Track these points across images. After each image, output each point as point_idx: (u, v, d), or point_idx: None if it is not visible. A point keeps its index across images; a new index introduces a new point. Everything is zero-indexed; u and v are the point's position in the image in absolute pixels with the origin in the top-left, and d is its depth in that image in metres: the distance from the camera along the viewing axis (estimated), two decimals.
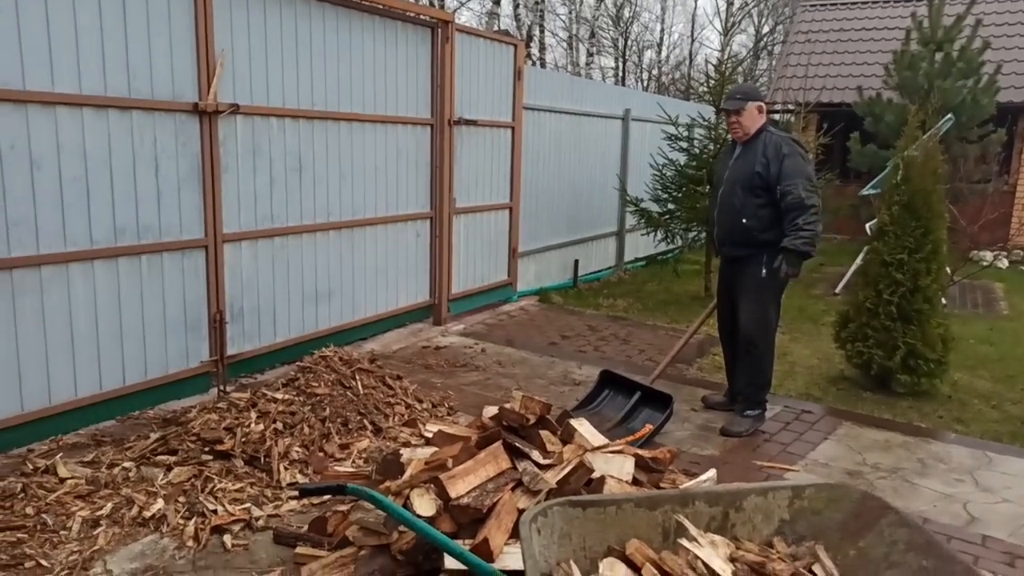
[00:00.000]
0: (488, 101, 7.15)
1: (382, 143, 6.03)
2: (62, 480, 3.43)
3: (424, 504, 2.89)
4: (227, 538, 3.14)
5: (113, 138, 4.09)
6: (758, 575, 1.87)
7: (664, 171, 8.56)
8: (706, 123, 8.42)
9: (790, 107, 12.52)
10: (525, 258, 8.16)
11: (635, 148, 9.99)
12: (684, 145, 8.52)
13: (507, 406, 3.51)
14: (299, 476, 3.65)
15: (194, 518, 3.23)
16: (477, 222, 7.26)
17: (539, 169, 8.20)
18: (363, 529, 2.91)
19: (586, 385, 5.39)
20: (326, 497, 3.51)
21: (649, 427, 4.38)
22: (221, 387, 4.81)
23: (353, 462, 3.88)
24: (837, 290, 9.11)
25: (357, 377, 4.56)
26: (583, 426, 3.54)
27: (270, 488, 3.54)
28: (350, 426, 4.16)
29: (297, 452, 3.80)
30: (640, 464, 3.47)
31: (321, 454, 3.87)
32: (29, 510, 3.17)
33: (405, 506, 2.99)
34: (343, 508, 3.21)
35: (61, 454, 3.70)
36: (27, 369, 3.85)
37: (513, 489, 3.08)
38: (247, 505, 3.35)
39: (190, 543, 3.09)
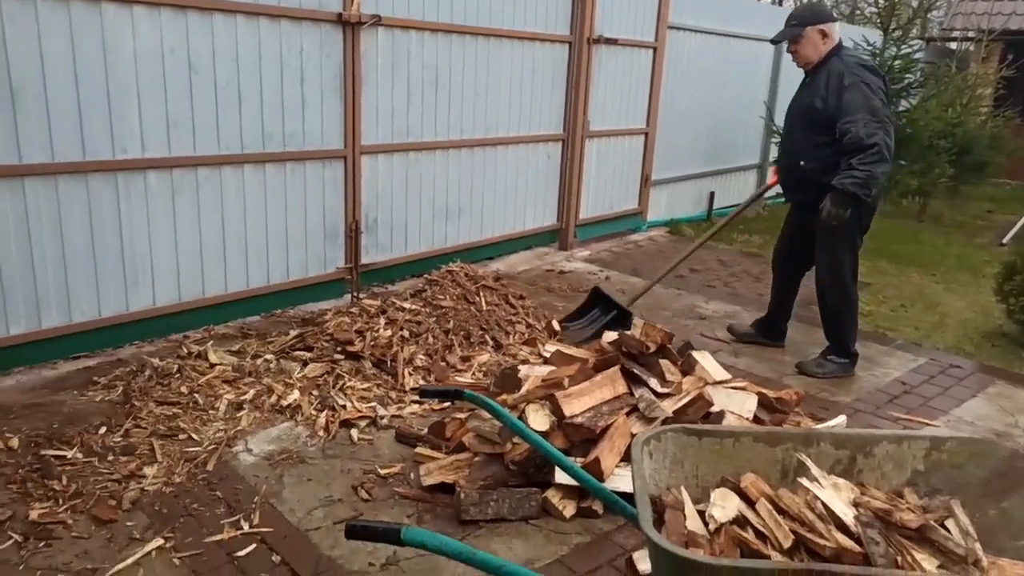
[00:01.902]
0: (630, 19, 6.83)
1: (518, 60, 5.94)
2: (212, 365, 3.74)
3: (538, 419, 2.93)
4: (354, 432, 3.33)
5: (263, 46, 4.25)
6: (883, 522, 1.76)
7: None
8: (871, 48, 7.69)
9: (970, 35, 11.21)
10: (657, 187, 7.91)
11: (787, 74, 9.30)
12: None
13: (627, 332, 3.47)
14: (422, 382, 3.80)
15: (325, 411, 3.45)
16: (610, 147, 7.07)
17: (679, 94, 7.82)
18: (479, 437, 3.00)
19: (712, 320, 5.24)
20: (446, 404, 3.65)
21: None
22: (354, 293, 5.04)
23: (473, 374, 3.99)
24: (1004, 240, 8.26)
25: (481, 294, 4.64)
26: (705, 358, 3.45)
27: (394, 390, 3.71)
28: (472, 340, 4.26)
29: (421, 360, 3.95)
30: (764, 403, 3.36)
31: (443, 364, 4.00)
32: (183, 389, 3.50)
33: (519, 419, 3.05)
34: (461, 416, 3.33)
35: (212, 342, 4.03)
36: (184, 262, 4.18)
37: (628, 414, 3.07)
38: (373, 404, 3.54)
39: (321, 433, 3.31)
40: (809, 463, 2.00)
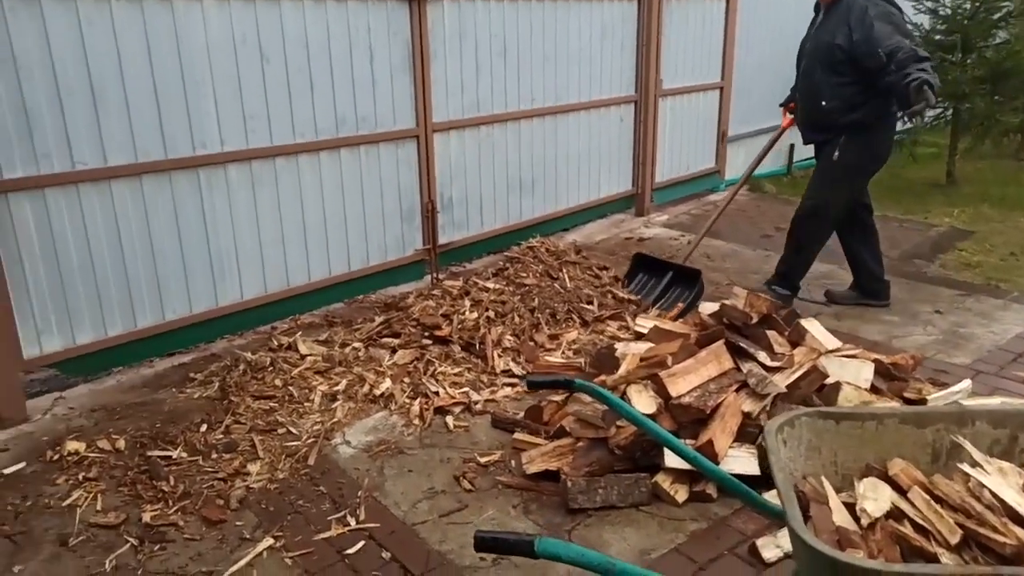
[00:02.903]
0: None
1: (587, 22, 5.70)
2: (303, 357, 3.73)
3: (643, 401, 2.79)
4: (449, 419, 3.27)
5: (331, 28, 4.16)
6: None
7: None
8: None
9: None
10: (734, 143, 7.56)
11: None
12: (931, 5, 7.29)
13: (728, 303, 3.28)
14: (512, 364, 3.71)
15: (418, 398, 3.40)
16: (684, 104, 6.77)
17: (754, 45, 7.40)
18: (580, 421, 2.89)
19: (807, 280, 4.95)
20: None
21: (680, 306, 4.25)
22: (434, 274, 4.97)
23: (563, 353, 3.87)
24: None
25: (564, 269, 4.50)
26: (814, 326, 3.24)
27: (485, 374, 3.62)
28: (558, 317, 4.14)
29: (509, 340, 3.85)
30: (880, 371, 3.13)
31: (531, 343, 3.89)
32: (278, 382, 3.49)
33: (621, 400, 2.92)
34: (557, 399, 3.22)
35: (300, 332, 4.02)
36: (268, 254, 4.18)
37: (737, 391, 2.90)
38: (465, 389, 3.46)
39: (416, 421, 3.26)
40: (968, 445, 1.80)
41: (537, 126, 5.56)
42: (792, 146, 8.30)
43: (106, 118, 3.46)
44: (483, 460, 2.97)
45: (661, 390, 2.80)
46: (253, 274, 4.15)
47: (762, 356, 2.98)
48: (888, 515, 1.71)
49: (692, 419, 2.76)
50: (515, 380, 3.61)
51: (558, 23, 5.47)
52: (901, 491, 1.79)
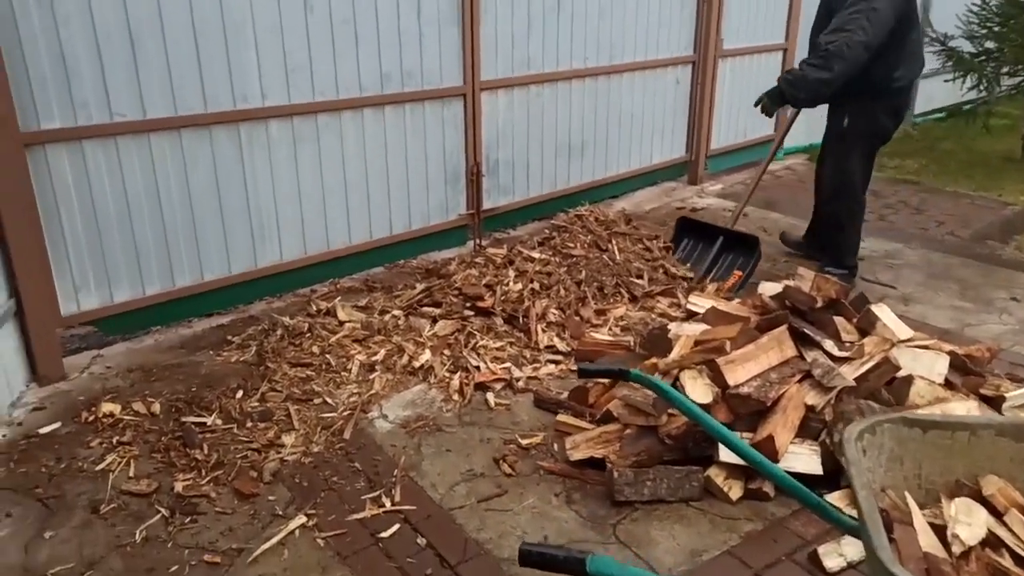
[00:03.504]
0: None
1: None
2: (341, 323, 3.62)
3: (698, 389, 2.62)
4: (490, 396, 3.13)
5: None
6: None
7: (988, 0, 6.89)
8: None
9: None
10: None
11: None
12: None
13: (792, 284, 3.06)
14: (556, 339, 3.55)
15: (459, 372, 3.27)
16: (745, 66, 6.42)
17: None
18: (628, 407, 2.72)
19: (869, 260, 4.68)
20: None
21: (738, 274, 4.09)
22: (477, 240, 4.81)
23: (610, 329, 3.70)
24: None
25: (613, 240, 4.30)
26: (885, 313, 3.00)
27: (528, 349, 3.47)
28: (605, 291, 3.95)
29: (554, 314, 3.68)
30: (954, 363, 2.90)
31: (577, 318, 3.73)
32: (315, 349, 3.39)
33: (674, 387, 2.75)
34: (605, 381, 3.06)
35: (339, 297, 3.91)
36: (308, 215, 4.06)
37: (799, 381, 2.70)
38: (507, 365, 3.32)
39: (456, 397, 3.13)
40: None
41: (589, 86, 5.30)
42: None
43: (145, 68, 3.34)
44: (524, 442, 2.83)
45: (718, 377, 2.62)
46: (293, 235, 4.04)
47: (828, 344, 2.77)
48: (985, 543, 1.53)
49: (751, 411, 2.58)
50: (559, 357, 3.45)
51: None
52: (997, 514, 1.60)
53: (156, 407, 3.02)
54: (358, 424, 2.95)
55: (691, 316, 3.57)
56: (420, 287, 3.92)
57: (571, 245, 4.18)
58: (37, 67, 3.06)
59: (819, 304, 2.96)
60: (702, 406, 2.54)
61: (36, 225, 3.14)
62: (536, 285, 3.82)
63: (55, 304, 3.28)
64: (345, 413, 3.01)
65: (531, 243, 4.26)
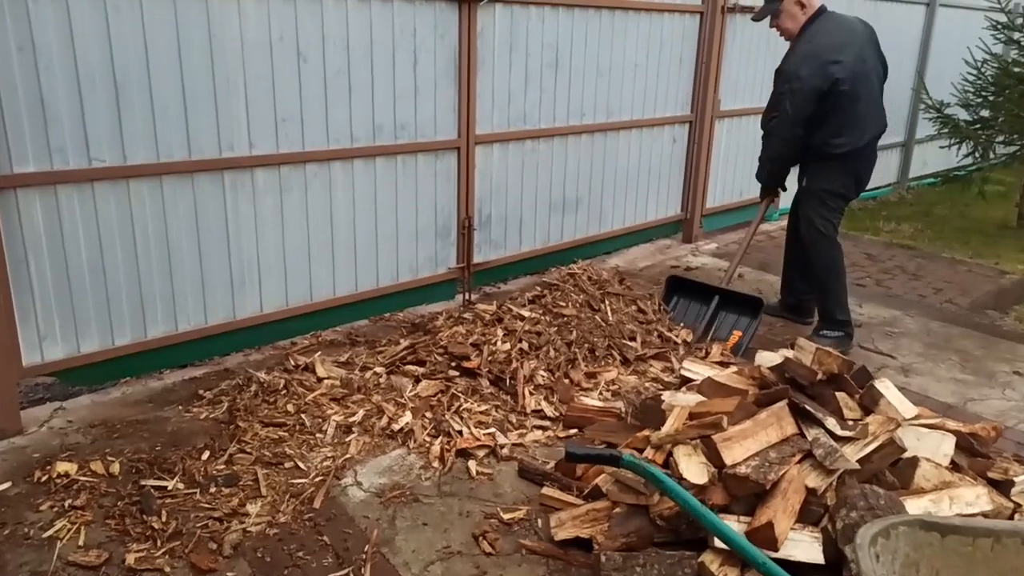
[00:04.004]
0: None
1: (644, 34, 5.38)
2: (320, 379, 3.46)
3: (693, 469, 2.45)
4: (472, 464, 2.96)
5: (375, 29, 3.91)
6: None
7: (983, 69, 6.95)
8: None
9: None
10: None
11: (941, 41, 8.27)
12: (1015, 36, 6.82)
13: (793, 357, 2.93)
14: (544, 403, 3.39)
15: (440, 437, 3.10)
16: (741, 127, 6.41)
17: None
18: (618, 483, 2.55)
19: (867, 327, 4.57)
20: (572, 431, 3.23)
21: (738, 334, 4.05)
22: (467, 295, 4.69)
23: (600, 394, 3.55)
24: None
25: (606, 300, 4.18)
26: (890, 390, 2.86)
27: (515, 413, 3.32)
28: (597, 353, 3.81)
29: (542, 376, 3.54)
30: (960, 444, 2.75)
31: (567, 381, 3.58)
32: (290, 407, 3.23)
33: (666, 463, 2.59)
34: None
35: (320, 352, 3.76)
36: (292, 265, 3.93)
37: (799, 461, 2.55)
38: (492, 430, 3.15)
39: (436, 464, 2.96)
40: None
41: (585, 143, 5.25)
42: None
43: (128, 113, 3.24)
44: (507, 517, 2.66)
45: (714, 455, 2.46)
46: (275, 286, 3.90)
47: (830, 423, 2.62)
48: None
49: (750, 493, 2.41)
50: (547, 422, 3.29)
51: (615, 36, 5.17)
52: None
53: (115, 467, 2.83)
54: (330, 492, 2.77)
55: (685, 382, 3.43)
56: (404, 343, 3.77)
57: (563, 304, 4.05)
58: (13, 111, 2.95)
59: (819, 378, 2.83)
60: (697, 487, 2.39)
61: (1, 271, 3.00)
62: (525, 345, 3.68)
63: (16, 354, 3.12)
64: (317, 479, 2.83)
65: (521, 300, 4.13)
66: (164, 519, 2.55)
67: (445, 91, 4.30)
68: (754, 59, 6.24)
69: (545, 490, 2.78)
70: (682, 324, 4.21)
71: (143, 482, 2.73)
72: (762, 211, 4.60)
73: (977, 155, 7.28)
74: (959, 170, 8.05)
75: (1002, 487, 2.69)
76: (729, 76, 6.08)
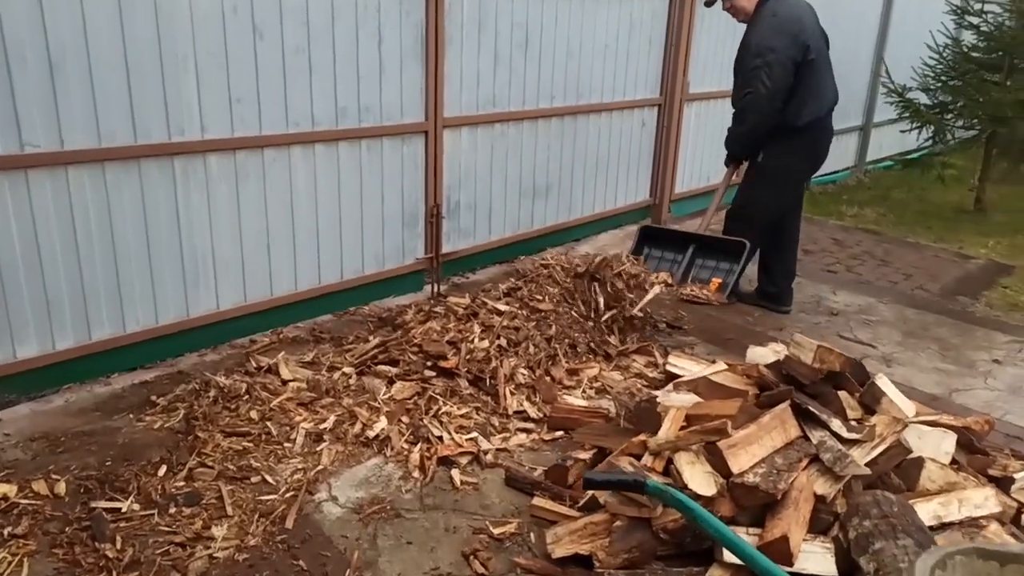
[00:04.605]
0: None
1: (615, 15, 5.20)
2: (285, 382, 3.22)
3: (698, 478, 2.31)
4: (455, 472, 2.77)
5: (336, 3, 3.63)
6: None
7: (943, 53, 6.97)
8: None
9: None
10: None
11: (898, 24, 8.30)
12: (974, 21, 6.86)
13: (793, 355, 2.81)
14: (526, 403, 3.22)
15: (419, 444, 2.90)
16: (710, 111, 6.30)
17: None
18: (616, 494, 2.39)
19: (844, 315, 4.52)
20: (558, 434, 3.06)
21: (717, 281, 4.11)
22: (435, 286, 4.46)
23: (583, 392, 3.39)
24: None
25: (579, 289, 4.00)
26: (890, 388, 2.77)
27: (496, 415, 3.13)
28: (578, 349, 3.65)
29: (523, 375, 3.36)
30: (958, 440, 2.68)
31: (548, 379, 3.41)
32: (253, 415, 2.98)
33: (667, 470, 2.45)
34: (585, 457, 2.74)
35: (283, 352, 3.50)
36: (250, 259, 3.65)
37: (805, 466, 2.43)
38: (474, 435, 2.96)
39: (416, 473, 2.75)
40: None
41: (555, 126, 5.06)
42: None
43: (64, 93, 2.91)
44: (497, 532, 2.48)
45: (719, 463, 2.32)
46: (232, 281, 3.62)
47: (836, 424, 2.51)
48: None
49: (759, 503, 2.28)
50: (531, 424, 3.12)
51: (584, 16, 4.97)
52: None
53: (61, 487, 2.56)
54: (303, 509, 2.54)
55: (671, 377, 3.30)
56: (374, 341, 3.54)
57: (539, 298, 3.86)
58: None
59: (819, 376, 2.72)
60: (705, 499, 2.25)
61: None
62: (503, 342, 3.49)
63: None
64: (288, 495, 2.60)
65: (496, 293, 3.93)
66: (119, 546, 2.29)
67: (412, 71, 4.05)
68: (723, 40, 6.11)
69: (536, 500, 2.61)
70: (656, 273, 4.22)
71: (93, 504, 2.46)
72: (728, 176, 4.61)
73: (937, 140, 7.33)
74: (913, 153, 8.12)
75: (1002, 484, 2.63)
76: (698, 58, 5.95)
